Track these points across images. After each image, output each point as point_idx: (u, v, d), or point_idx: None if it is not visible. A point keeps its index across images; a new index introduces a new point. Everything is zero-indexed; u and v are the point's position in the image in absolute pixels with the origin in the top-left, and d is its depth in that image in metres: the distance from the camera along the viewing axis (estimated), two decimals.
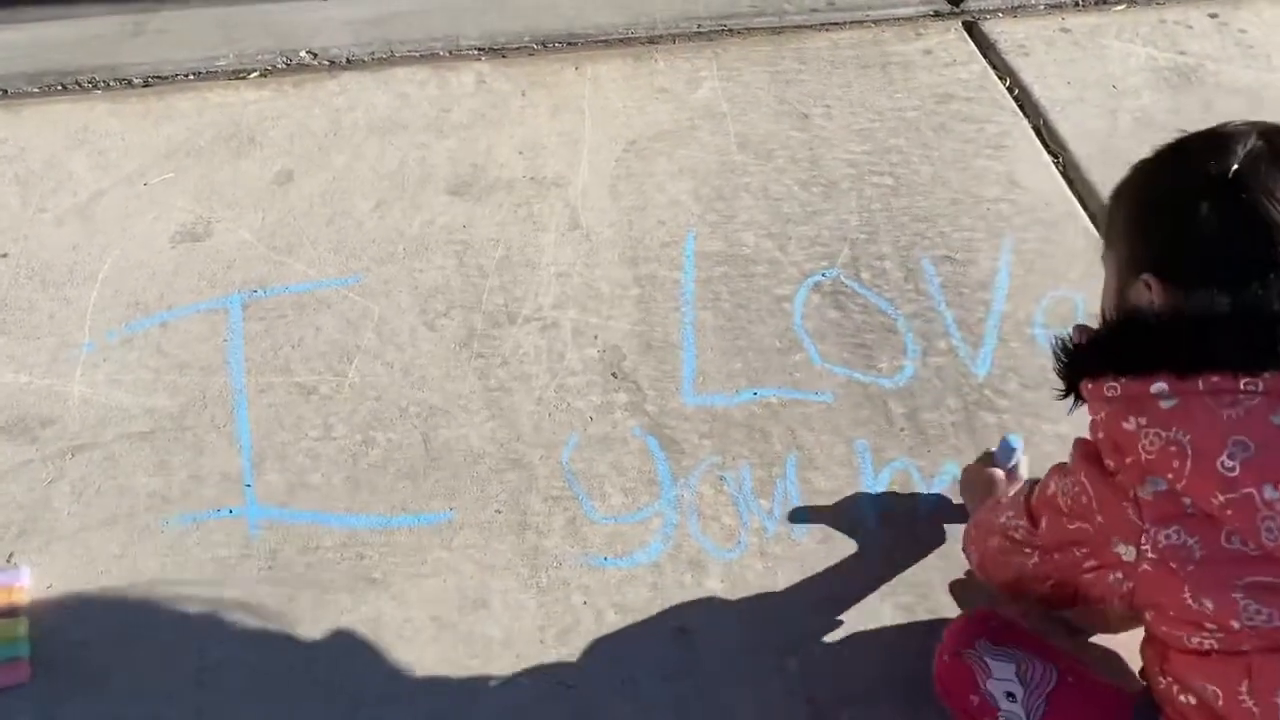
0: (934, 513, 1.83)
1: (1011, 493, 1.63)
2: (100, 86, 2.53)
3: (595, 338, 2.05)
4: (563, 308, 2.09)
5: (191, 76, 2.54)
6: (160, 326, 2.04)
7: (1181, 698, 1.22)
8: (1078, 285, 2.17)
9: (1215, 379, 1.11)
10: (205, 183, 2.29)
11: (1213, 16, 2.86)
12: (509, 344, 2.03)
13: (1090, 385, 1.22)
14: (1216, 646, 1.16)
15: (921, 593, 1.71)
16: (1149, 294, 1.20)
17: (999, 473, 1.71)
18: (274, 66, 2.57)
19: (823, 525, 1.79)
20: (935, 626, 1.64)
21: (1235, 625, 1.12)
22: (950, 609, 1.68)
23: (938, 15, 2.81)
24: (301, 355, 2.00)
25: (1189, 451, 1.11)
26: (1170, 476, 1.13)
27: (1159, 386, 1.13)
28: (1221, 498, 1.10)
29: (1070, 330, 1.30)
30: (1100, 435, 1.22)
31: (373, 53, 2.60)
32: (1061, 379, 1.29)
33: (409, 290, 2.11)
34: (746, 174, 2.36)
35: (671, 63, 2.63)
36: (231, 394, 1.94)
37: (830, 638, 1.65)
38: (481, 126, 2.44)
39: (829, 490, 1.84)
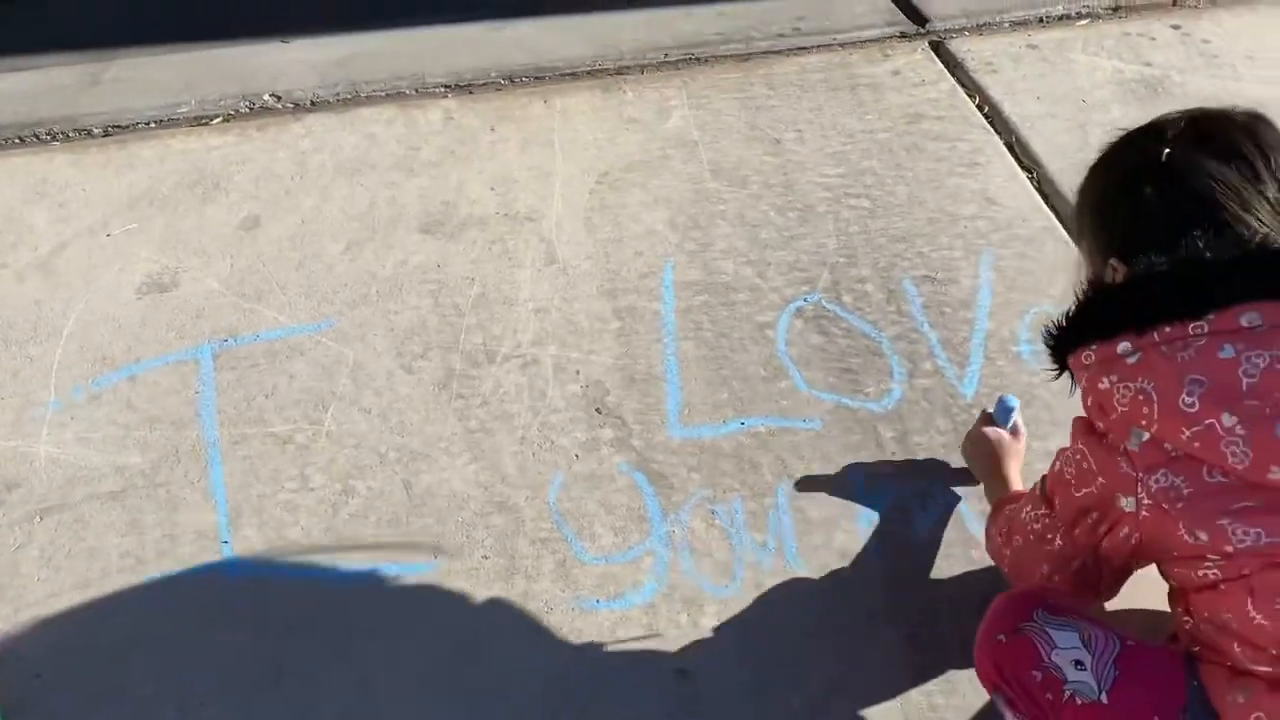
0: (931, 536, 1.79)
1: (1012, 455, 1.76)
2: (59, 138, 2.48)
3: (577, 373, 2.01)
4: (542, 344, 2.05)
5: (153, 124, 2.50)
6: (128, 381, 1.98)
7: (1206, 631, 1.28)
8: (1060, 300, 2.16)
9: (1167, 329, 1.22)
10: (170, 231, 2.24)
11: (1175, 28, 2.88)
12: (489, 383, 1.99)
13: (1071, 358, 1.34)
14: (1221, 576, 1.23)
15: (926, 619, 1.67)
16: (1114, 275, 1.32)
17: (1001, 431, 1.77)
18: (237, 111, 2.53)
19: (819, 555, 1.75)
20: (941, 652, 1.61)
21: (1229, 550, 1.20)
22: (955, 634, 1.64)
23: (904, 36, 2.81)
24: (275, 404, 1.95)
25: (1154, 397, 1.22)
26: (1144, 423, 1.24)
27: (1123, 345, 1.25)
28: (1188, 432, 1.20)
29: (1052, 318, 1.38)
30: (1089, 401, 1.34)
31: (338, 93, 2.57)
32: (1052, 360, 1.38)
33: (384, 333, 2.07)
34: (721, 201, 2.34)
35: (640, 93, 2.61)
36: (205, 447, 1.88)
37: (833, 671, 1.61)
38: (451, 163, 2.41)
39: (823, 519, 1.80)
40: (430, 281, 2.16)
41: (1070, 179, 2.39)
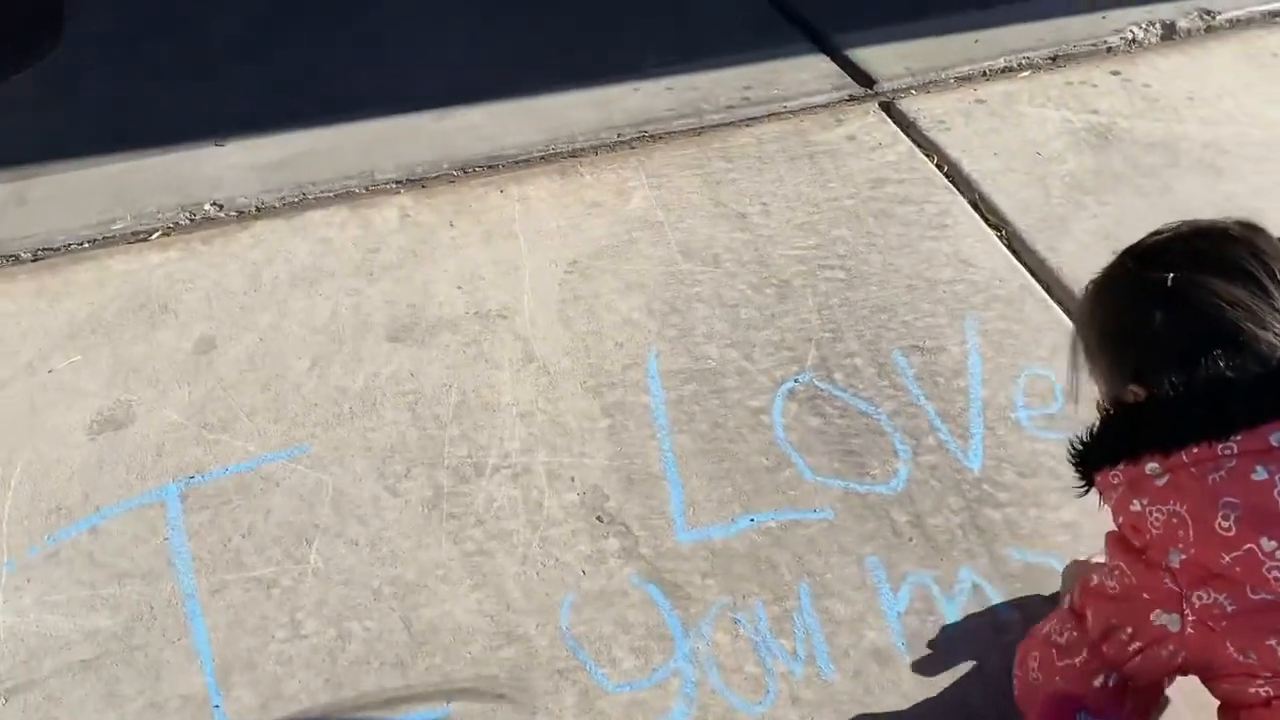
0: (960, 625, 1.73)
1: None
2: None
3: (572, 479, 1.91)
4: (532, 451, 1.96)
5: (87, 244, 2.35)
6: (90, 532, 1.83)
7: None
8: (1049, 361, 2.13)
9: (1195, 450, 1.21)
10: (118, 361, 2.10)
11: (1115, 74, 2.93)
12: (480, 499, 1.88)
13: (1099, 478, 1.35)
14: (1274, 693, 1.20)
15: (965, 714, 1.60)
16: (1134, 397, 1.31)
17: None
18: (177, 223, 2.40)
19: (852, 659, 1.68)
20: None
21: None
22: None
23: (853, 99, 2.80)
24: (254, 544, 1.81)
25: (1188, 521, 1.21)
26: (1180, 546, 1.22)
27: (1151, 466, 1.25)
28: (1228, 557, 1.19)
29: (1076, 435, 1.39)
30: (1120, 520, 1.33)
31: (284, 198, 2.46)
32: (1079, 478, 1.39)
33: (362, 454, 1.95)
34: (696, 282, 2.28)
35: (598, 175, 2.55)
36: (182, 600, 1.74)
37: None
38: (413, 264, 2.31)
39: (849, 617, 1.73)
40: (406, 393, 2.05)
41: (1040, 234, 2.41)
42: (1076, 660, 1.35)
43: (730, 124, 2.70)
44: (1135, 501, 1.26)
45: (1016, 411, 2.05)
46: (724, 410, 2.03)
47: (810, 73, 2.87)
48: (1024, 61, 2.95)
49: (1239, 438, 1.18)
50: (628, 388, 2.07)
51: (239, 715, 1.60)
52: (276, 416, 2.01)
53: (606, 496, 1.89)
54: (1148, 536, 1.26)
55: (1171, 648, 1.25)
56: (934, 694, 1.64)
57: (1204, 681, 1.31)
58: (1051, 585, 1.75)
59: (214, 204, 2.43)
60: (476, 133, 2.64)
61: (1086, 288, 1.46)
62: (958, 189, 2.54)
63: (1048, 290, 2.29)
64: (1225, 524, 1.18)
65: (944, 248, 2.38)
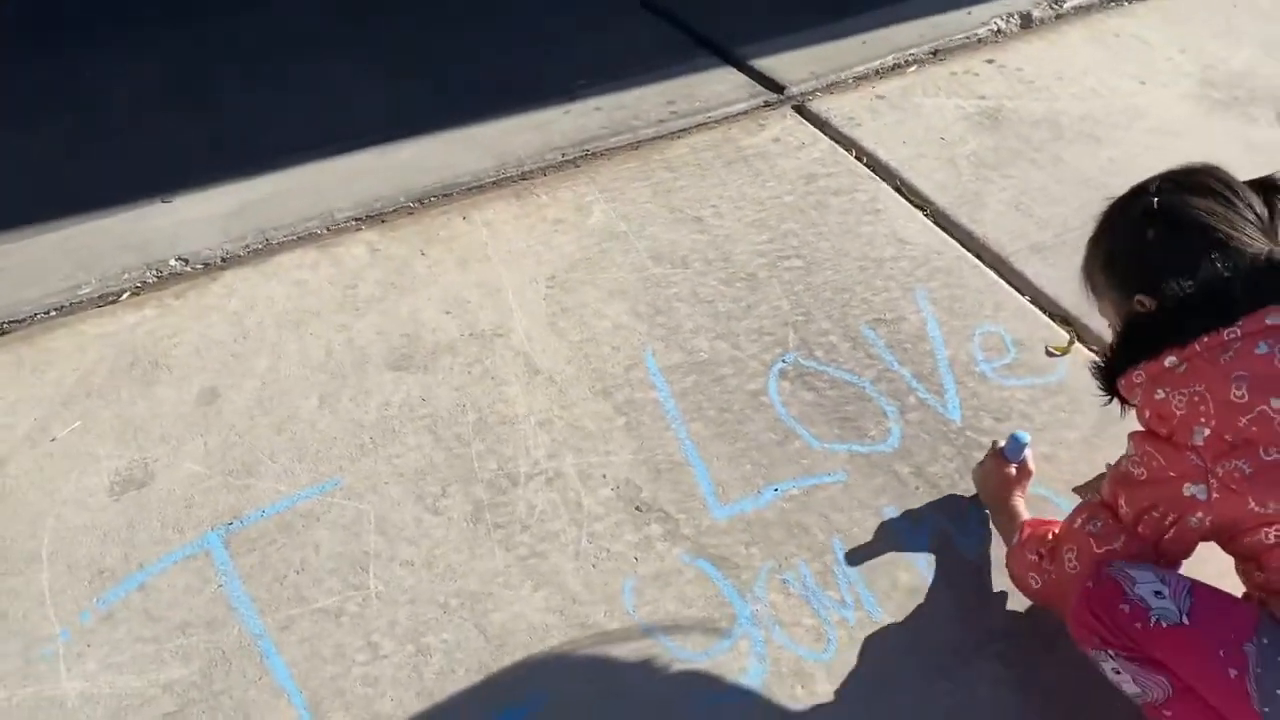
0: (979, 557, 1.92)
1: (1020, 487, 1.92)
2: None
3: (604, 476, 2.02)
4: (558, 456, 2.05)
5: (54, 312, 2.30)
6: (139, 591, 1.81)
7: (1278, 580, 1.46)
8: (995, 318, 2.37)
9: (1205, 339, 1.43)
10: (122, 422, 2.07)
11: (990, 62, 3.24)
12: (521, 506, 1.96)
13: (1122, 382, 1.54)
14: None
15: (1007, 635, 1.78)
16: (1144, 308, 1.54)
17: (1009, 467, 1.93)
18: (145, 282, 2.37)
19: (894, 599, 1.84)
20: (1032, 660, 1.73)
21: None
22: (1036, 642, 1.76)
23: (768, 105, 3.01)
24: (311, 578, 1.84)
25: (1208, 397, 1.42)
26: (1203, 420, 1.42)
27: (1170, 360, 1.46)
28: (1244, 420, 1.40)
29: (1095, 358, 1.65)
30: (1146, 415, 1.54)
31: (247, 246, 2.46)
32: (1103, 388, 1.61)
33: (395, 480, 2.00)
34: (671, 284, 2.42)
35: (553, 194, 2.66)
36: (252, 640, 1.75)
37: (950, 705, 1.69)
38: (395, 295, 2.36)
39: (883, 563, 1.89)
40: (422, 417, 2.11)
41: (961, 209, 2.66)
42: (1116, 545, 1.54)
43: (663, 136, 2.86)
44: (1159, 391, 1.46)
45: (979, 365, 2.27)
46: (726, 396, 2.18)
47: (724, 84, 3.06)
48: (910, 58, 3.23)
49: (1240, 323, 1.40)
50: (634, 386, 2.19)
51: None
52: (299, 455, 2.03)
53: (639, 488, 2.00)
54: (1173, 421, 1.45)
55: (1200, 514, 1.45)
56: (976, 621, 1.81)
57: (1224, 543, 1.52)
58: (1046, 513, 1.96)
59: (178, 259, 2.41)
60: (423, 165, 2.71)
61: (1087, 244, 1.67)
62: (880, 177, 2.77)
63: (979, 257, 2.54)
64: (1239, 393, 1.38)
65: (881, 230, 2.60)
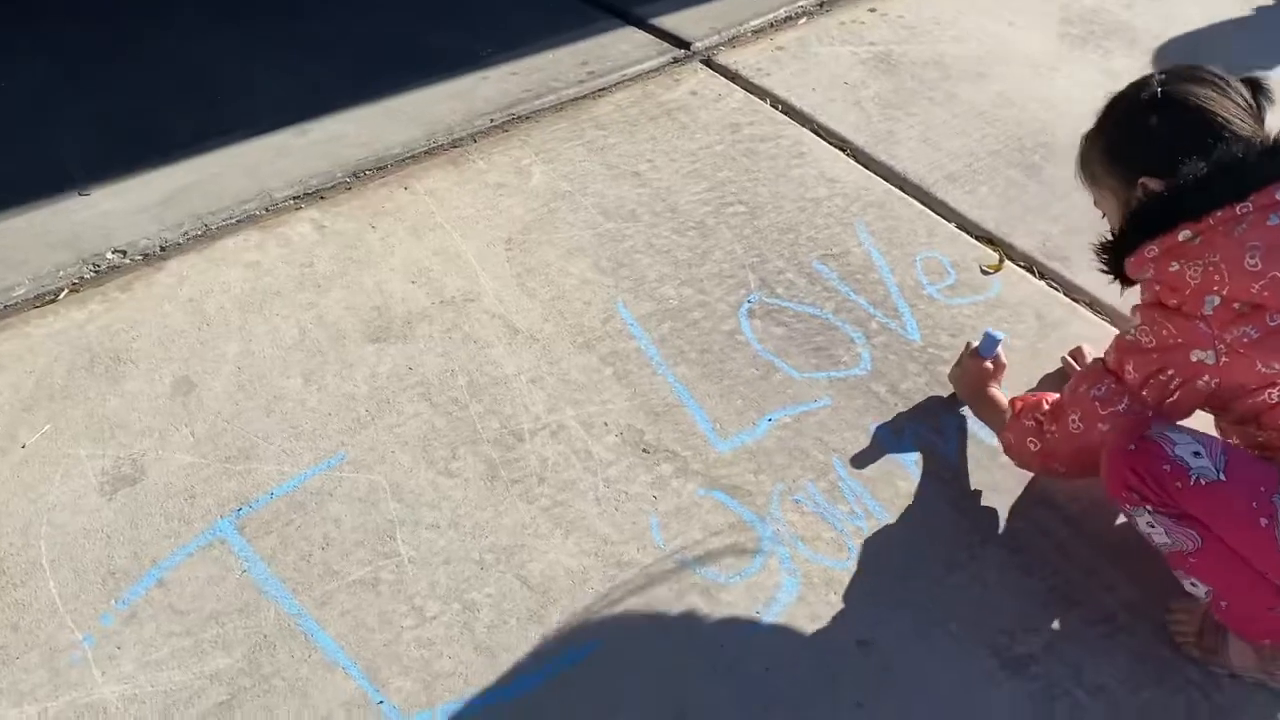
0: (961, 458, 2.06)
1: (996, 380, 2.09)
2: None
3: (605, 424, 2.05)
4: (558, 410, 2.07)
5: None
6: (158, 586, 1.74)
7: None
8: (930, 244, 2.53)
9: (1219, 213, 1.54)
10: (96, 420, 1.96)
11: (872, 10, 3.41)
12: (533, 460, 1.98)
13: (1132, 259, 1.65)
14: None
15: (990, 528, 1.94)
16: (1143, 191, 1.64)
17: (984, 363, 2.08)
18: (83, 278, 2.24)
19: (897, 504, 1.96)
20: (1032, 542, 1.88)
21: None
22: (1031, 525, 1.93)
23: (677, 61, 3.08)
24: (338, 552, 1.81)
25: (1223, 266, 1.54)
26: (1216, 288, 1.55)
27: (1184, 233, 1.57)
28: (1256, 286, 1.52)
29: (1098, 238, 1.72)
30: (1156, 288, 1.65)
31: (185, 233, 2.35)
32: (1107, 268, 1.72)
33: (400, 448, 1.98)
34: (626, 237, 2.46)
35: (490, 159, 2.65)
36: (293, 620, 1.71)
37: (974, 595, 1.83)
38: (355, 270, 2.31)
39: (881, 474, 2.01)
40: (413, 385, 2.09)
41: (877, 147, 2.81)
42: (1120, 407, 1.68)
43: (585, 96, 2.89)
44: (1173, 264, 1.58)
45: (926, 289, 2.42)
46: (704, 338, 2.25)
47: (631, 43, 3.11)
48: (799, 10, 3.36)
49: (1251, 199, 1.51)
50: (614, 337, 2.23)
51: (409, 702, 1.63)
52: (295, 434, 1.98)
53: (641, 431, 2.05)
54: (1185, 291, 1.57)
55: (1207, 378, 1.60)
56: (968, 514, 1.96)
57: (1224, 406, 1.67)
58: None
59: (115, 251, 2.28)
60: (350, 139, 2.64)
61: (1083, 135, 1.78)
62: (798, 122, 2.89)
63: (903, 189, 2.70)
64: (1252, 261, 1.50)
65: (810, 171, 2.72)
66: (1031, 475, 2.02)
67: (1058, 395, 1.88)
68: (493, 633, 1.73)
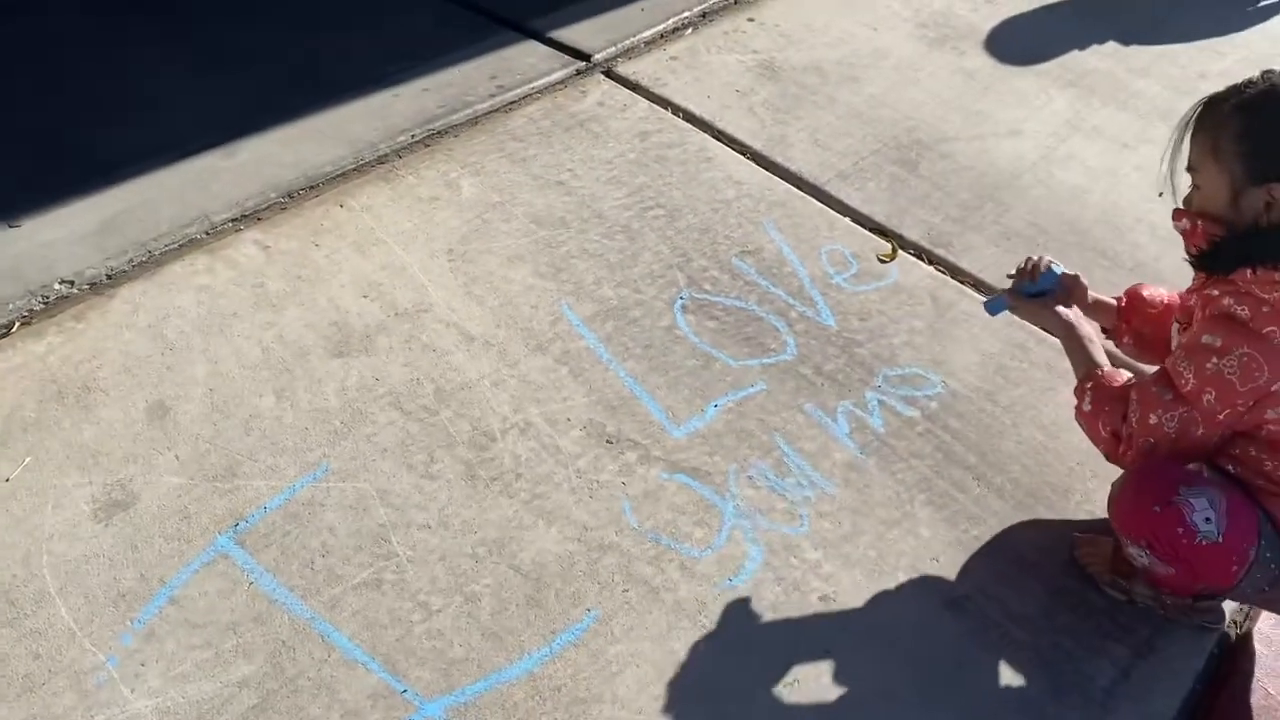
0: (887, 426, 2.32)
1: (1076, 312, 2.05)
2: None
3: (569, 420, 2.22)
4: (522, 409, 2.22)
5: None
6: (171, 604, 1.81)
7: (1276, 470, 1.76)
8: (832, 238, 2.79)
9: None
10: (76, 450, 2.00)
11: (751, 20, 3.65)
12: (508, 459, 2.13)
13: (1256, 272, 1.67)
14: None
15: (924, 484, 2.20)
16: (1269, 198, 1.67)
17: (1073, 311, 2.05)
18: (32, 310, 2.24)
19: (837, 472, 2.20)
20: (957, 485, 2.16)
21: None
22: (964, 476, 2.20)
23: (581, 73, 3.24)
24: (339, 558, 1.92)
25: None
26: None
27: None
28: None
29: (1185, 223, 1.77)
30: (1265, 310, 1.67)
31: (130, 260, 2.38)
32: (1216, 265, 1.74)
33: (380, 456, 2.09)
34: (560, 244, 2.62)
35: (419, 174, 2.76)
36: (307, 624, 1.81)
37: (918, 542, 2.08)
38: (307, 288, 2.39)
39: (818, 449, 2.25)
40: (382, 396, 2.20)
41: (774, 149, 3.05)
42: (1198, 433, 1.75)
43: (499, 110, 3.02)
44: None
45: (834, 278, 2.67)
46: (645, 334, 2.43)
47: (535, 56, 3.25)
48: (685, 21, 3.57)
49: None
50: (564, 339, 2.39)
51: (429, 689, 1.76)
52: (278, 450, 2.06)
53: (603, 424, 2.22)
54: None
55: (1278, 409, 1.69)
56: (898, 477, 2.22)
57: (1251, 430, 1.76)
58: (924, 389, 2.40)
59: (63, 282, 2.29)
60: (277, 160, 2.70)
61: (1218, 100, 1.71)
62: (700, 129, 3.10)
63: (801, 188, 2.95)
64: None
65: (717, 174, 2.94)
66: (945, 441, 2.30)
67: (1134, 385, 1.85)
68: (496, 619, 1.87)
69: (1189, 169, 1.77)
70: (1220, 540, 1.72)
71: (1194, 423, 1.74)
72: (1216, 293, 1.75)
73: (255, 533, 1.93)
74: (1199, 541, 1.73)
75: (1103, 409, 1.88)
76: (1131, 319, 2.18)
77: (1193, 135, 1.75)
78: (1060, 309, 2.03)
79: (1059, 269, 2.09)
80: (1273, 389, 1.68)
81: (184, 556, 1.88)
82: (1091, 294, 2.17)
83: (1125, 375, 1.92)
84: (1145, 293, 2.17)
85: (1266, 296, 1.65)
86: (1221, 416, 1.73)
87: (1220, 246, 1.71)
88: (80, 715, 1.65)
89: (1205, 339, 1.73)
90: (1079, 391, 1.95)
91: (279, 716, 1.69)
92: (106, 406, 2.09)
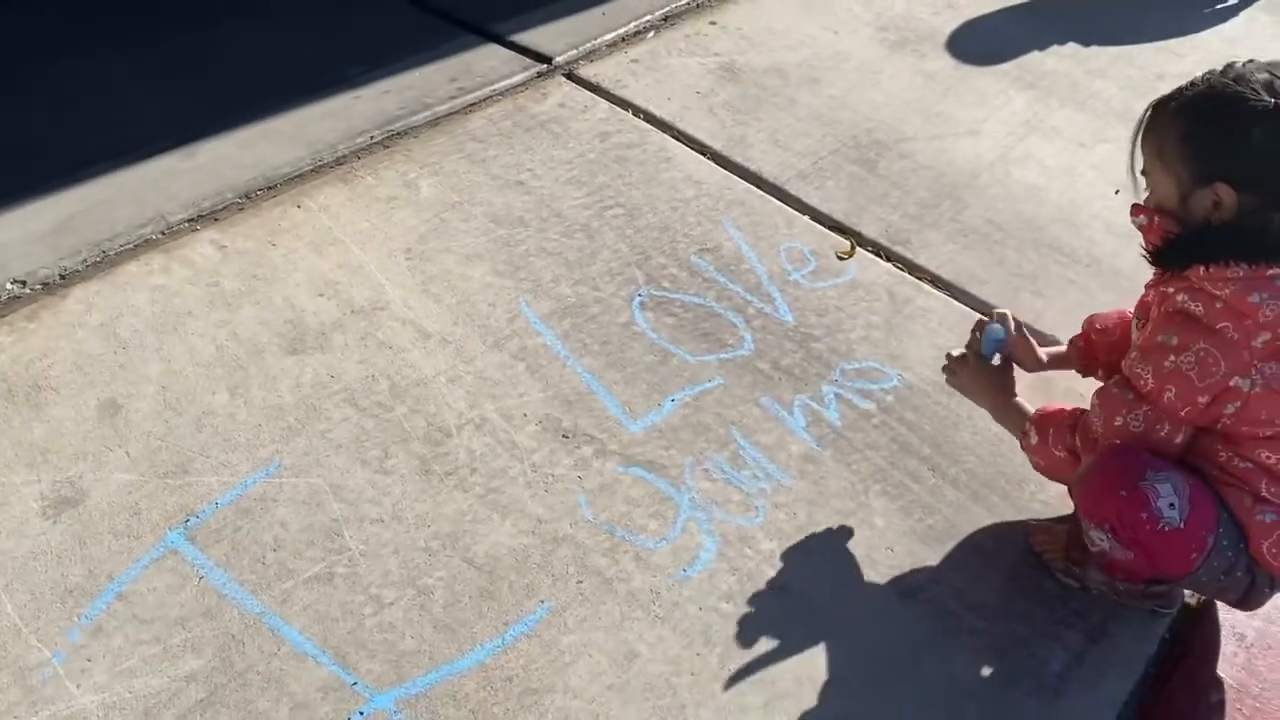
0: (843, 419, 2.33)
1: (1012, 381, 2.10)
2: None
3: (524, 415, 2.22)
4: (478, 405, 2.22)
5: None
6: (119, 599, 1.80)
7: (1241, 467, 1.75)
8: (790, 235, 2.81)
9: None
10: (25, 448, 1.98)
11: (713, 23, 3.68)
12: (463, 454, 2.12)
13: (1209, 269, 1.67)
14: None
15: (877, 474, 2.21)
16: (1215, 198, 1.67)
17: (995, 367, 2.11)
18: None
19: (792, 464, 2.21)
20: (912, 476, 2.17)
21: None
22: (919, 468, 2.21)
23: (541, 75, 3.25)
24: (290, 552, 1.91)
25: None
26: (1275, 328, 1.63)
27: (1274, 271, 1.63)
28: None
29: (1142, 219, 1.77)
30: (1218, 306, 1.67)
31: (84, 260, 2.37)
32: (1170, 260, 1.74)
33: (334, 452, 2.08)
34: (518, 242, 2.63)
35: (377, 174, 2.76)
36: (258, 618, 1.81)
37: (871, 533, 2.09)
38: (263, 286, 2.39)
39: (774, 442, 2.26)
40: (337, 392, 2.19)
41: (733, 150, 3.07)
42: (1163, 433, 1.75)
43: (459, 112, 3.03)
44: (1254, 295, 1.62)
45: (792, 275, 2.69)
46: (603, 331, 2.44)
47: (495, 60, 3.26)
48: (646, 25, 3.59)
49: None
50: (521, 335, 2.39)
51: (380, 681, 1.75)
52: (230, 446, 2.05)
53: (559, 419, 2.23)
54: (1246, 321, 1.62)
55: (1238, 404, 1.68)
56: (851, 470, 2.23)
57: (1212, 428, 1.76)
58: (880, 382, 2.42)
59: (14, 282, 2.28)
60: (235, 161, 2.70)
61: (1162, 103, 1.72)
62: (660, 130, 3.12)
63: (760, 187, 2.97)
64: None
65: (677, 174, 2.96)
66: (901, 434, 2.31)
67: (1082, 411, 1.89)
68: (448, 611, 1.87)
69: (1142, 172, 1.80)
70: (1182, 527, 1.72)
71: (1158, 420, 1.75)
72: (1172, 290, 1.76)
73: (206, 528, 1.92)
74: (1162, 527, 1.72)
75: (1048, 433, 1.92)
76: (1099, 355, 2.19)
77: (1141, 140, 1.77)
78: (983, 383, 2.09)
79: (998, 333, 2.09)
80: (1230, 384, 1.68)
81: (133, 553, 1.87)
82: (1043, 350, 2.20)
83: (1056, 404, 1.97)
84: (1098, 324, 2.19)
85: (1219, 293, 1.66)
86: (1184, 413, 1.73)
87: (1174, 243, 1.72)
88: (24, 711, 1.64)
89: (1161, 338, 1.74)
90: (1022, 436, 1.99)
91: (227, 710, 1.68)
92: (57, 405, 2.07)
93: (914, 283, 2.72)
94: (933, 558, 2.08)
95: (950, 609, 2.00)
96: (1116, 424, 1.79)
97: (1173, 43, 4.00)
